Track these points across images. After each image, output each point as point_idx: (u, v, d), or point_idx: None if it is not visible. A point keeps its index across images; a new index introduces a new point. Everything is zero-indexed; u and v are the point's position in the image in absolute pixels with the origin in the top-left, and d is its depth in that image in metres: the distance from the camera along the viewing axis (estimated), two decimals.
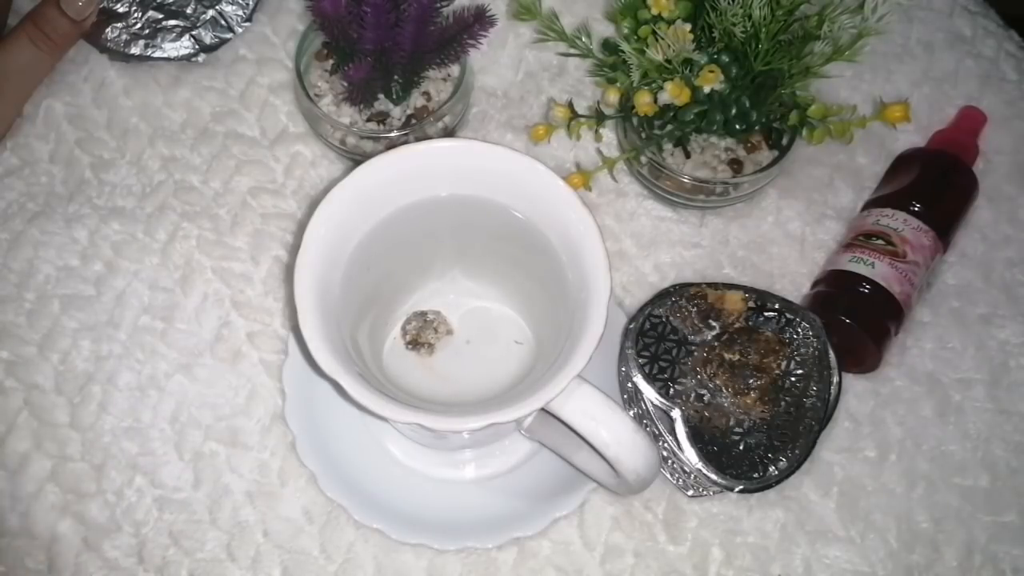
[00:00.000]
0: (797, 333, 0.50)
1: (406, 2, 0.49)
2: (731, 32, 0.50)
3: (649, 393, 0.49)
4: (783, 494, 0.50)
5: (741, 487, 0.48)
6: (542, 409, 0.39)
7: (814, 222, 0.56)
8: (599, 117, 0.54)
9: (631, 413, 0.50)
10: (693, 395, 0.49)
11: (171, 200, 0.56)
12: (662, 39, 0.49)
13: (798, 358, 0.50)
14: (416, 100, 0.55)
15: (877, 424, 0.52)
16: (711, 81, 0.50)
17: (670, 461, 0.49)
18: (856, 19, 0.48)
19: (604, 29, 0.60)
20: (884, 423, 0.52)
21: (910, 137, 0.58)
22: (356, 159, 0.55)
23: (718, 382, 0.49)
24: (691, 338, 0.50)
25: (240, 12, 0.59)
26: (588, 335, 0.39)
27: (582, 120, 0.54)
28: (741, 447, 0.48)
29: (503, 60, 0.60)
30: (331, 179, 0.57)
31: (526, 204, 0.43)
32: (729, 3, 0.49)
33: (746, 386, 0.49)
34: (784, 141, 0.53)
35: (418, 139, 0.53)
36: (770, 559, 0.49)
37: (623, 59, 0.52)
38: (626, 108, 0.53)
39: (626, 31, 0.52)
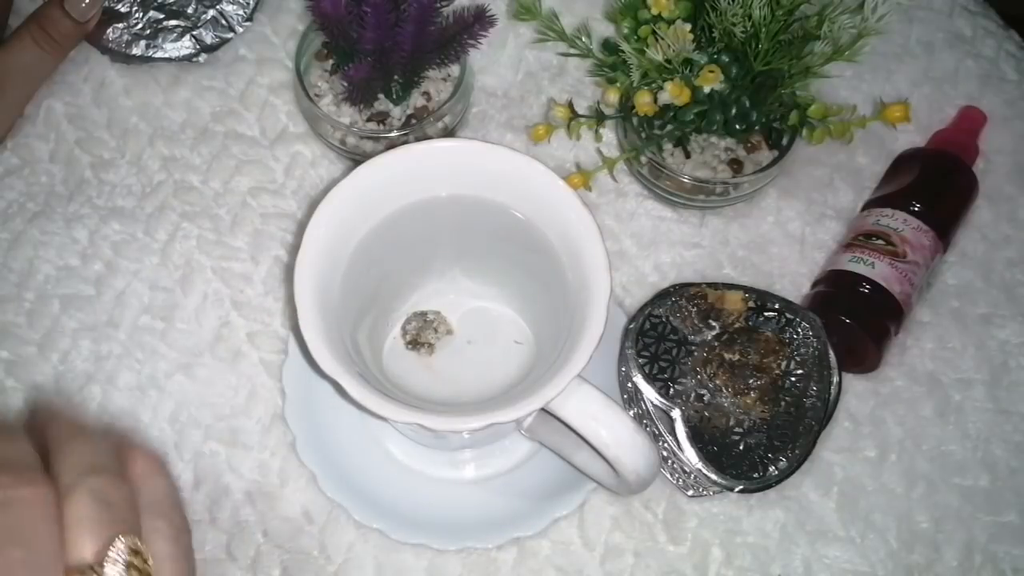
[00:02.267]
0: (797, 333, 0.50)
1: (406, 2, 0.49)
2: (731, 32, 0.50)
3: (649, 393, 0.49)
4: (783, 494, 0.50)
5: (741, 487, 0.48)
6: (542, 409, 0.39)
7: (814, 222, 0.56)
8: (599, 117, 0.54)
9: (631, 413, 0.50)
10: (693, 395, 0.49)
11: (171, 200, 0.56)
12: (662, 39, 0.50)
13: (798, 358, 0.50)
14: (416, 100, 0.55)
15: (877, 424, 0.52)
16: (711, 81, 0.50)
17: (670, 461, 0.49)
18: (856, 19, 0.48)
19: (604, 29, 0.60)
20: (884, 423, 0.52)
21: (910, 137, 0.58)
22: (356, 159, 0.55)
23: (718, 382, 0.49)
24: (691, 338, 0.50)
25: (241, 12, 0.59)
26: (588, 335, 0.39)
27: (582, 120, 0.54)
28: (741, 447, 0.48)
29: (503, 60, 0.60)
30: (331, 179, 0.57)
31: (526, 204, 0.43)
32: (729, 3, 0.49)
33: (746, 386, 0.49)
34: (784, 141, 0.53)
35: (418, 139, 0.53)
36: (770, 559, 0.49)
37: (623, 59, 0.52)
38: (626, 108, 0.53)
39: (626, 31, 0.52)
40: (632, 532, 0.49)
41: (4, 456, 0.31)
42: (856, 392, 0.52)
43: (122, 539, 0.29)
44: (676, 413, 0.49)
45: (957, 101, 0.60)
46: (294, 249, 0.54)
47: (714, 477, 0.48)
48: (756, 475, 0.48)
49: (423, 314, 0.51)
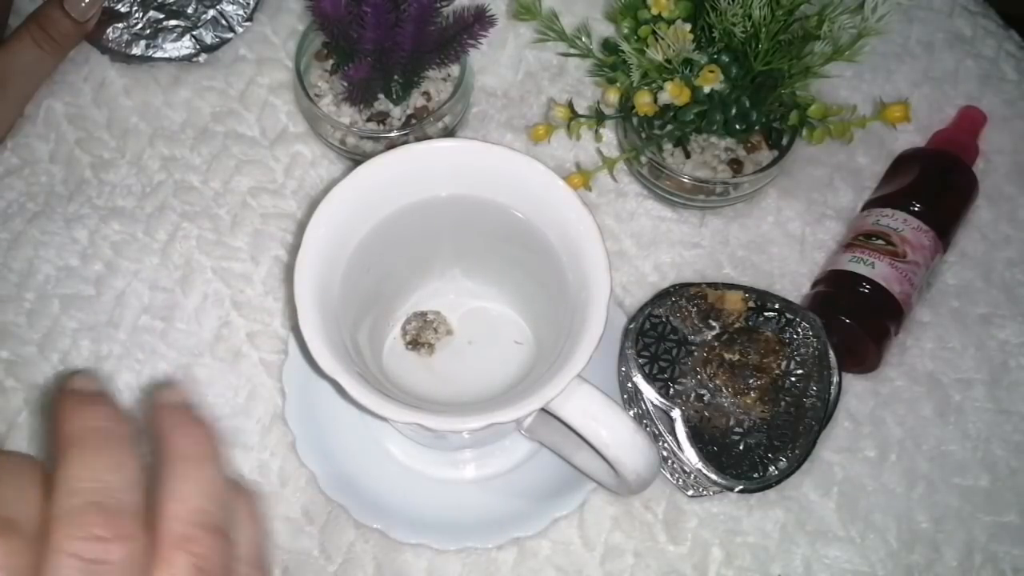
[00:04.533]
0: (797, 333, 0.50)
1: (406, 2, 0.49)
2: (731, 32, 0.50)
3: (649, 393, 0.49)
4: (783, 494, 0.50)
5: (741, 487, 0.48)
6: (542, 409, 0.39)
7: (814, 222, 0.56)
8: (599, 117, 0.54)
9: (631, 413, 0.50)
10: (693, 395, 0.49)
11: (171, 200, 0.56)
12: (662, 39, 0.49)
13: (798, 358, 0.50)
14: (416, 100, 0.55)
15: (877, 424, 0.52)
16: (711, 81, 0.50)
17: (670, 461, 0.49)
18: (856, 19, 0.48)
19: (604, 29, 0.60)
20: (884, 423, 0.52)
21: (910, 137, 0.58)
22: (356, 159, 0.55)
23: (718, 382, 0.49)
24: (691, 338, 0.50)
25: (241, 12, 0.59)
26: (588, 335, 0.39)
27: (582, 120, 0.54)
28: (741, 447, 0.48)
29: (503, 60, 0.60)
30: (331, 179, 0.57)
31: (526, 204, 0.43)
32: (729, 3, 0.49)
33: (746, 386, 0.49)
34: (784, 141, 0.53)
35: (418, 139, 0.53)
36: (770, 559, 0.49)
37: (623, 59, 0.52)
38: (626, 108, 0.53)
39: (626, 31, 0.52)
40: (632, 532, 0.49)
41: None
42: (856, 392, 0.52)
43: None
44: (676, 413, 0.49)
45: (957, 101, 0.60)
46: (294, 249, 0.54)
47: (714, 477, 0.48)
48: (756, 475, 0.48)
49: (423, 314, 0.51)
